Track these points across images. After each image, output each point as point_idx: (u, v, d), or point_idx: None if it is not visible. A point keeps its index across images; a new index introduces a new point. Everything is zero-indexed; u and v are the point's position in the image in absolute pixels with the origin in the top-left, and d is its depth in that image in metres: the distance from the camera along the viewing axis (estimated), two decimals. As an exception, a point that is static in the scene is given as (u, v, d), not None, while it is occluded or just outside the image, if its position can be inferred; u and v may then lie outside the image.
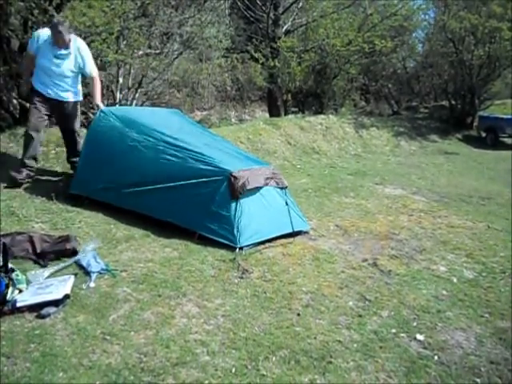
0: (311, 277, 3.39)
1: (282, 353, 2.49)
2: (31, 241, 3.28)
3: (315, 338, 2.65)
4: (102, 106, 4.65)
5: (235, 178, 3.79)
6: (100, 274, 3.10)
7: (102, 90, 7.71)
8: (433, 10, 14.27)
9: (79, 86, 4.78)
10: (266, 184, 4.06)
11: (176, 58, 8.65)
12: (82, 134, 4.94)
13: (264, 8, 11.35)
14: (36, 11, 5.39)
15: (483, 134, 12.68)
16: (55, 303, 2.66)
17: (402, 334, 2.77)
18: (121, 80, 7.32)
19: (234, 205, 3.75)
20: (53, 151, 5.40)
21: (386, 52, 12.34)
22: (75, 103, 4.75)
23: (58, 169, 5.19)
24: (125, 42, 6.91)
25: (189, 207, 3.91)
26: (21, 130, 5.30)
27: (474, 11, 11.70)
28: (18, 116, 6.14)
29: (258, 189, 4.00)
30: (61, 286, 2.80)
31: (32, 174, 4.63)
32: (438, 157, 10.15)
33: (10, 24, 5.80)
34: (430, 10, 14.08)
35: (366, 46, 10.76)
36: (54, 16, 5.17)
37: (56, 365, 2.24)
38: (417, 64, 15.42)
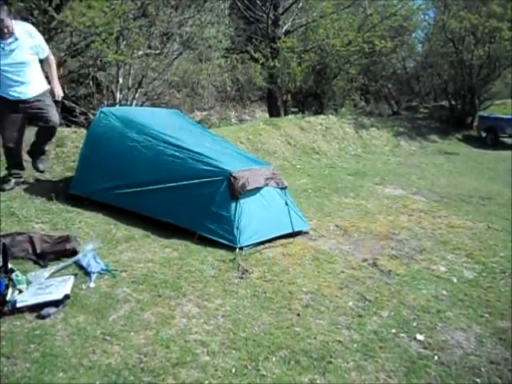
0: (311, 277, 3.39)
1: (282, 353, 2.49)
2: (31, 241, 3.27)
3: (315, 338, 2.65)
4: (61, 93, 4.32)
5: (235, 178, 3.79)
6: (100, 274, 3.10)
7: (102, 90, 7.75)
8: (432, 10, 14.28)
9: (40, 73, 4.27)
10: (266, 184, 4.06)
11: (176, 58, 8.66)
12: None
13: (264, 8, 11.34)
14: (36, 12, 5.39)
15: (483, 134, 12.69)
16: (55, 303, 2.65)
17: (402, 334, 2.78)
18: (121, 80, 7.33)
19: (233, 205, 3.75)
20: (53, 151, 5.40)
21: (385, 52, 12.34)
22: (43, 93, 4.23)
23: (58, 169, 5.19)
24: (125, 43, 6.92)
25: (189, 207, 3.90)
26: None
27: (474, 11, 11.70)
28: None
29: (257, 189, 4.00)
30: (61, 286, 2.80)
31: (21, 180, 4.52)
32: (438, 157, 10.15)
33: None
34: (430, 10, 14.09)
35: (365, 46, 10.76)
36: (53, 16, 5.17)
37: (56, 365, 2.24)
38: (417, 64, 15.44)
